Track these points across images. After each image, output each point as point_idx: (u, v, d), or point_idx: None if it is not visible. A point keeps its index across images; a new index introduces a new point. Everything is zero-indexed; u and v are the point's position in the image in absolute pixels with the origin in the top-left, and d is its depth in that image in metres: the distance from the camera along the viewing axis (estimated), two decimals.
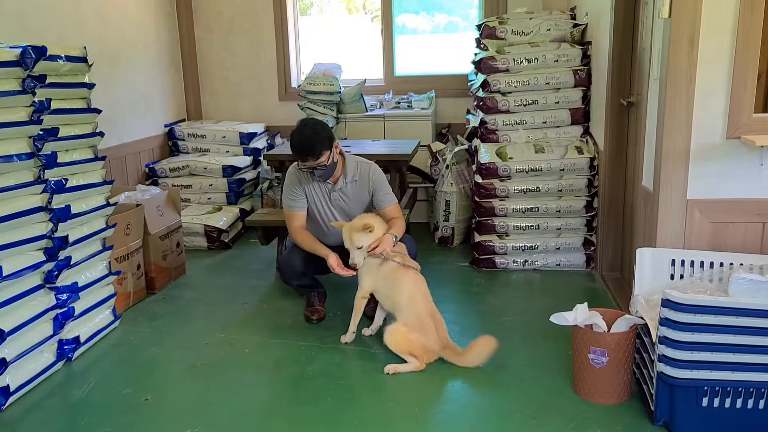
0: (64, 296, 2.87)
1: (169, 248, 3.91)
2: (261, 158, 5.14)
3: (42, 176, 2.72)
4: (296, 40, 5.54)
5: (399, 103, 5.17)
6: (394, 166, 4.21)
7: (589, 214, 3.92)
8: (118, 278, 3.36)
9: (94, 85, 3.10)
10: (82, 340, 3.00)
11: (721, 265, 2.53)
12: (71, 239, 2.88)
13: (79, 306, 2.98)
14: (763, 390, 2.17)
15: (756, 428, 2.20)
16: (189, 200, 4.88)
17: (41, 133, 2.71)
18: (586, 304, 2.48)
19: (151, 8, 5.00)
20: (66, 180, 2.87)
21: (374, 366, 2.82)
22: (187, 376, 2.83)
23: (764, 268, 2.48)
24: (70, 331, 2.95)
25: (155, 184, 4.83)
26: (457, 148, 4.55)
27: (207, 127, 5.20)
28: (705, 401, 2.20)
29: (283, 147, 4.89)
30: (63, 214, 2.83)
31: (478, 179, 3.98)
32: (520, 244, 3.98)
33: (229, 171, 4.83)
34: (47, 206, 2.74)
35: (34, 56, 2.61)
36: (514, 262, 4.01)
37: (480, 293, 3.72)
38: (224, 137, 5.09)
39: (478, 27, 4.30)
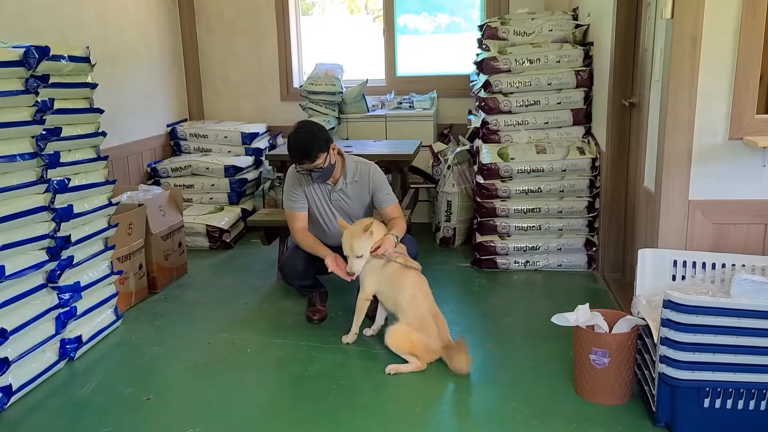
0: (67, 296, 2.87)
1: (170, 248, 3.92)
2: (263, 158, 5.15)
3: (45, 176, 2.73)
4: (298, 40, 5.54)
5: (401, 103, 5.17)
6: (395, 167, 4.21)
7: (590, 215, 3.92)
8: (120, 278, 3.37)
9: (97, 85, 3.11)
10: (84, 339, 3.00)
11: (723, 266, 2.52)
12: (74, 239, 2.89)
13: (81, 305, 2.98)
14: (764, 391, 2.17)
15: (757, 429, 2.20)
16: (191, 200, 4.89)
17: (44, 132, 2.72)
18: (587, 304, 2.48)
19: (153, 8, 5.01)
20: (69, 180, 2.88)
21: (376, 366, 2.82)
22: (188, 375, 2.84)
23: (766, 270, 2.48)
24: (72, 330, 2.95)
25: (157, 184, 4.84)
26: (458, 149, 4.55)
27: (209, 127, 5.20)
28: (706, 402, 2.20)
29: (284, 147, 4.88)
30: (65, 214, 2.83)
31: (480, 180, 3.98)
32: (522, 245, 3.98)
33: (231, 171, 4.84)
34: (50, 206, 2.74)
35: (37, 56, 2.62)
36: (515, 262, 4.01)
37: (481, 294, 3.72)
38: (226, 137, 5.10)
39: (480, 27, 4.30)
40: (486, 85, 4.03)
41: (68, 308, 2.88)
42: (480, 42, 4.28)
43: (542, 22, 4.11)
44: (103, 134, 3.15)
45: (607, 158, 3.65)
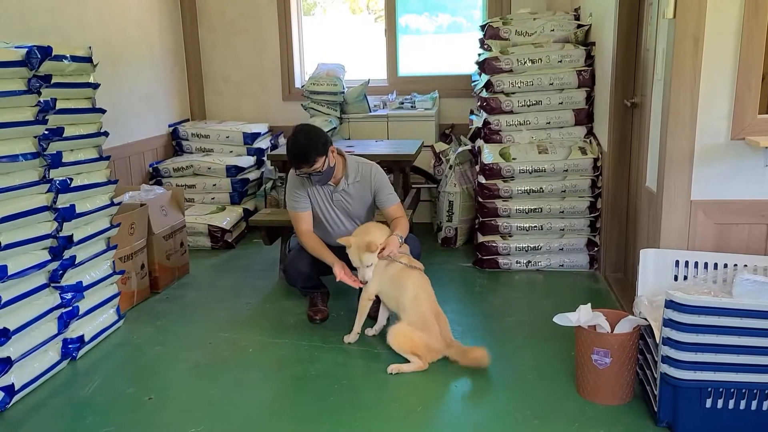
0: (69, 295, 2.88)
1: (172, 248, 3.92)
2: (264, 158, 5.15)
3: (47, 176, 2.73)
4: (300, 40, 5.54)
5: (402, 103, 5.17)
6: (397, 167, 4.22)
7: (592, 215, 3.92)
8: (122, 278, 3.37)
9: (99, 85, 3.11)
10: (86, 339, 3.01)
11: (725, 266, 2.52)
12: (76, 239, 2.89)
13: (83, 305, 2.99)
14: (766, 392, 2.17)
15: (759, 430, 2.20)
16: (193, 200, 4.89)
17: (46, 132, 2.72)
18: (589, 305, 2.48)
19: (154, 8, 5.01)
20: (71, 179, 2.88)
21: (377, 366, 2.83)
22: (190, 375, 2.84)
23: None
24: (74, 330, 2.96)
25: (159, 183, 4.84)
26: (460, 149, 4.55)
27: (211, 127, 5.21)
28: (708, 402, 2.20)
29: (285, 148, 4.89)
30: (68, 214, 2.84)
31: (482, 180, 3.98)
32: (524, 245, 3.97)
33: (233, 171, 4.84)
34: (52, 206, 2.75)
35: (39, 56, 2.62)
36: (517, 262, 4.01)
37: (483, 294, 3.72)
38: (228, 137, 5.10)
39: (482, 27, 4.30)
40: (488, 85, 4.03)
41: (70, 308, 2.89)
42: (482, 42, 4.28)
43: (544, 22, 4.11)
44: (105, 134, 3.15)
45: (609, 158, 3.65)
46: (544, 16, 4.21)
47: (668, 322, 2.16)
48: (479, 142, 4.22)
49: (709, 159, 2.57)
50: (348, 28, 5.67)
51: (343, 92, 5.02)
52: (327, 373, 2.79)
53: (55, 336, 2.81)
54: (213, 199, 4.90)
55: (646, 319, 2.39)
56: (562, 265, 3.99)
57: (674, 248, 2.63)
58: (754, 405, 2.18)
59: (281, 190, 4.76)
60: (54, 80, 2.74)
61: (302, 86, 5.20)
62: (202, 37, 5.47)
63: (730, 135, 2.54)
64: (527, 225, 3.96)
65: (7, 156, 2.53)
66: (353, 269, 3.01)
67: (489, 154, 3.97)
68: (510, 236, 4.00)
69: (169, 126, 5.22)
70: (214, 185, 4.88)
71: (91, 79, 3.07)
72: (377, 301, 3.10)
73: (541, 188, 3.91)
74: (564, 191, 3.91)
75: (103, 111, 3.14)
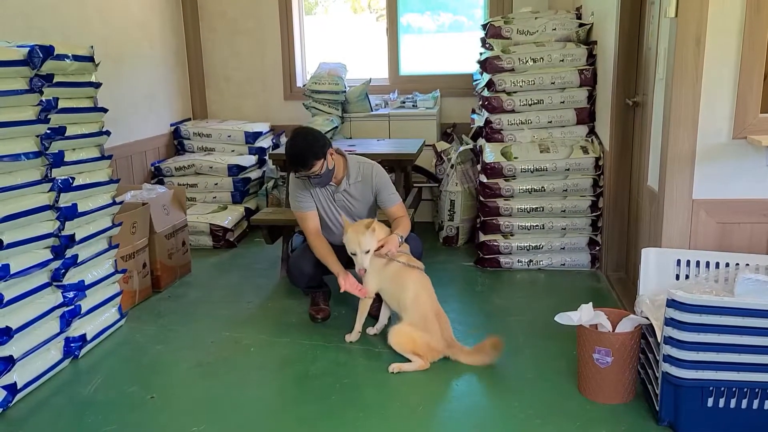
0: (71, 294, 2.88)
1: (174, 247, 3.92)
2: (266, 157, 5.15)
3: (49, 175, 2.74)
4: (301, 39, 5.55)
5: (404, 102, 5.17)
6: (398, 166, 4.22)
7: (594, 214, 3.91)
8: (124, 277, 3.37)
9: (101, 84, 3.11)
10: (88, 338, 3.01)
11: (727, 265, 2.52)
12: (78, 238, 2.89)
13: (85, 304, 2.99)
14: None
15: (761, 429, 2.20)
16: (194, 199, 4.90)
17: (48, 131, 2.72)
18: (590, 304, 2.48)
19: (156, 8, 5.01)
20: (73, 179, 2.88)
21: (379, 365, 2.83)
22: (192, 374, 2.84)
23: None
24: (76, 328, 2.96)
25: (161, 183, 4.85)
26: (462, 148, 4.55)
27: (212, 126, 5.21)
28: (710, 402, 2.20)
29: None
30: (70, 213, 2.84)
31: (483, 179, 3.98)
32: (525, 244, 3.97)
33: (235, 170, 4.85)
34: (54, 205, 2.75)
35: (41, 55, 2.62)
36: (518, 261, 4.01)
37: (484, 293, 3.72)
38: (229, 136, 5.11)
39: (484, 26, 4.30)
40: (489, 84, 4.03)
41: (72, 307, 2.90)
42: (483, 41, 4.28)
43: (546, 21, 4.11)
44: (107, 133, 3.16)
45: (611, 157, 3.64)
46: (545, 15, 4.21)
47: (670, 321, 2.16)
48: (481, 141, 4.22)
49: (711, 158, 2.57)
50: (349, 27, 5.67)
51: (345, 91, 5.02)
52: (328, 372, 2.79)
53: (57, 335, 2.82)
54: (215, 198, 4.90)
55: (647, 318, 2.39)
56: (564, 264, 3.99)
57: (676, 247, 2.63)
58: (755, 404, 2.18)
59: (283, 189, 4.77)
60: (56, 79, 2.75)
61: (304, 85, 5.21)
62: (204, 36, 5.47)
63: (732, 134, 2.54)
64: (529, 224, 3.96)
65: (9, 155, 2.53)
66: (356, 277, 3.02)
67: (490, 153, 3.97)
68: (511, 235, 4.00)
69: (171, 125, 5.23)
70: (216, 184, 4.89)
71: (93, 79, 3.07)
72: (378, 300, 3.10)
73: (542, 187, 3.91)
74: (565, 190, 3.91)
75: (105, 110, 3.14)
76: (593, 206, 3.90)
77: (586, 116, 4.02)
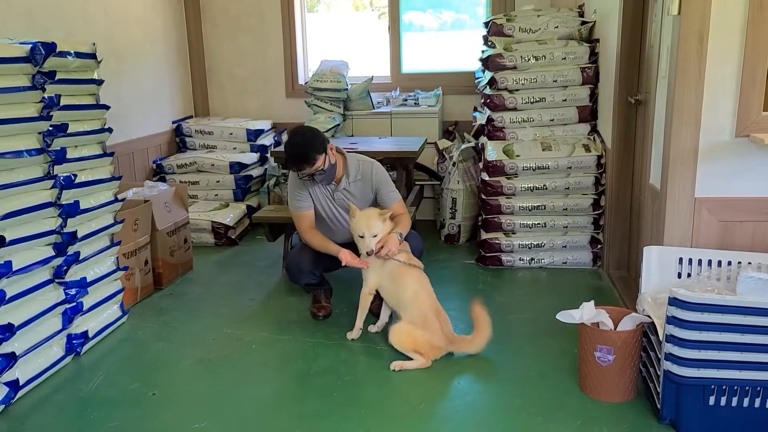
0: (73, 291, 2.89)
1: (176, 244, 3.93)
2: (268, 155, 5.15)
3: (51, 172, 2.74)
4: (303, 37, 5.54)
5: (406, 100, 5.16)
6: (400, 164, 4.22)
7: (596, 212, 3.91)
8: (125, 274, 3.38)
9: (103, 81, 3.12)
10: (90, 335, 3.02)
11: (729, 263, 2.52)
12: (80, 235, 2.90)
13: (87, 301, 3.00)
14: None
15: (762, 428, 2.20)
16: (196, 197, 4.90)
17: (51, 129, 2.73)
18: (592, 302, 2.48)
19: (158, 5, 5.01)
20: (75, 176, 2.89)
21: (380, 363, 2.83)
22: (194, 371, 2.85)
23: None
24: (78, 325, 2.97)
25: (163, 180, 4.85)
26: (463, 146, 4.55)
27: (214, 123, 5.21)
28: (712, 400, 2.20)
29: None
30: (72, 210, 2.85)
31: (485, 177, 3.98)
32: (527, 242, 3.97)
33: (236, 167, 4.85)
34: (56, 202, 2.76)
35: (43, 52, 2.62)
36: (520, 259, 4.01)
37: (486, 291, 3.72)
38: (231, 134, 5.11)
39: (486, 24, 4.30)
40: (491, 82, 4.03)
41: (74, 304, 2.90)
42: (485, 39, 4.27)
43: (548, 19, 4.10)
44: (109, 130, 3.16)
45: (613, 155, 3.64)
46: (548, 12, 4.20)
47: (672, 320, 2.16)
48: (483, 139, 4.22)
49: (714, 156, 2.56)
50: (351, 25, 5.67)
51: (347, 89, 5.02)
52: (330, 370, 2.79)
53: (60, 331, 2.83)
54: (216, 195, 4.90)
55: (649, 317, 2.38)
56: (566, 263, 3.98)
57: (678, 245, 2.62)
58: (757, 403, 2.18)
59: (284, 187, 4.76)
60: (58, 76, 2.75)
61: (306, 83, 5.20)
62: (206, 33, 5.47)
63: (734, 132, 2.53)
64: (530, 222, 3.96)
65: (12, 152, 2.54)
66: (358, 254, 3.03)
67: (492, 151, 3.97)
68: (513, 233, 4.00)
69: (173, 122, 5.23)
70: (218, 182, 4.89)
71: (95, 76, 3.07)
72: (379, 298, 3.10)
73: (544, 185, 3.90)
74: (567, 188, 3.91)
75: (107, 107, 3.14)
76: (595, 204, 3.89)
77: (588, 114, 4.02)
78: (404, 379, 2.71)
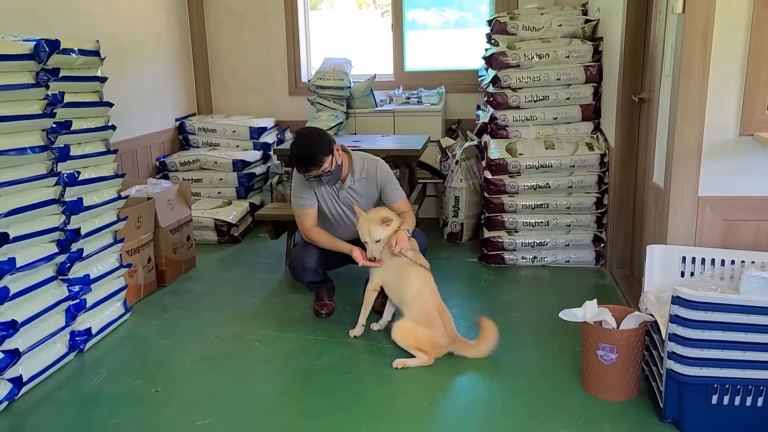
0: (76, 288, 2.89)
1: (179, 242, 3.93)
2: (271, 153, 5.15)
3: (55, 169, 2.74)
4: (306, 34, 5.54)
5: (409, 98, 5.16)
6: (403, 162, 4.21)
7: (599, 211, 3.90)
8: (129, 271, 3.39)
9: (107, 78, 3.12)
10: (93, 331, 3.02)
11: (733, 262, 2.51)
12: (83, 232, 2.90)
13: (90, 298, 3.00)
14: None
15: (766, 427, 2.19)
16: (199, 194, 4.90)
17: (54, 126, 2.73)
18: (595, 300, 2.48)
19: (161, 3, 5.02)
20: (78, 173, 2.89)
21: (383, 360, 2.83)
22: (196, 368, 2.86)
23: None
24: (81, 322, 2.97)
25: (166, 177, 4.85)
26: (466, 144, 4.54)
27: (217, 121, 5.21)
28: (714, 399, 2.19)
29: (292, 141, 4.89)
30: (75, 207, 2.85)
31: (488, 175, 3.97)
32: (530, 241, 3.97)
33: (239, 165, 4.85)
34: (60, 199, 2.76)
35: (47, 49, 2.63)
36: (523, 258, 4.00)
37: (488, 289, 3.72)
38: (234, 131, 5.11)
39: (489, 22, 4.29)
40: (495, 81, 4.02)
41: (78, 300, 2.91)
42: (489, 37, 4.26)
43: (551, 17, 4.09)
44: (113, 128, 3.16)
45: (616, 154, 3.63)
46: (551, 11, 4.19)
47: (675, 318, 2.15)
48: (486, 138, 4.22)
49: (717, 155, 2.56)
50: (355, 23, 5.67)
51: (350, 87, 5.02)
52: (332, 367, 2.80)
53: (63, 328, 2.83)
54: (219, 193, 4.91)
55: (652, 315, 2.38)
56: (568, 261, 3.98)
57: (681, 244, 2.62)
58: (760, 402, 2.18)
59: (287, 185, 4.76)
60: (62, 74, 2.75)
61: (309, 81, 5.20)
62: (209, 31, 5.47)
63: (738, 131, 2.53)
64: (533, 221, 3.96)
65: (16, 149, 2.54)
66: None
67: (495, 149, 3.96)
68: (516, 232, 3.99)
69: (176, 120, 5.23)
70: (221, 179, 4.89)
71: (99, 73, 3.08)
72: (383, 296, 3.10)
73: (547, 184, 3.90)
74: (570, 187, 3.90)
75: (110, 105, 3.15)
76: (598, 203, 3.89)
77: (592, 113, 4.01)
78: (407, 377, 2.71)
